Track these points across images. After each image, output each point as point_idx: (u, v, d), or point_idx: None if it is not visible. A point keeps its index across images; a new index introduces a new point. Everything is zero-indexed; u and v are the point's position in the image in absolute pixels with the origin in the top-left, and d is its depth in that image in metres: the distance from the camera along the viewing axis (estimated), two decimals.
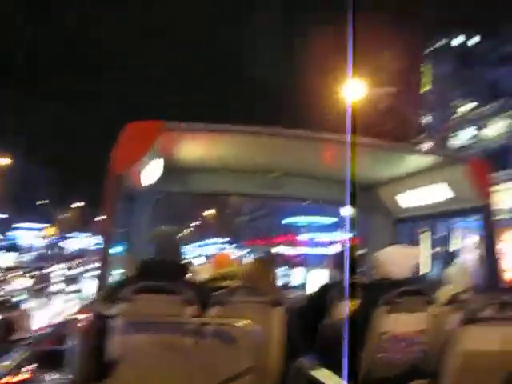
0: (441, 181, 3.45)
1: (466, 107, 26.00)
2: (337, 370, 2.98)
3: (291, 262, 29.65)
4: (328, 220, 31.42)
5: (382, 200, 4.24)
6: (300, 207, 30.04)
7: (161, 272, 2.33)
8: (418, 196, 3.83)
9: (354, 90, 13.83)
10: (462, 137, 26.89)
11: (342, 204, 5.98)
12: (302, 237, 32.27)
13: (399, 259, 2.86)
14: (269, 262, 3.24)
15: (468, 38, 29.75)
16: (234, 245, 46.66)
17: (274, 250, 37.56)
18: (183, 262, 2.69)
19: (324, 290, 3.41)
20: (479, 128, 25.89)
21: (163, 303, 2.21)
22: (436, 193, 3.53)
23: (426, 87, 27.78)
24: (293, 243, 34.73)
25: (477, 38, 29.23)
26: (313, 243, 29.02)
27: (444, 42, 29.96)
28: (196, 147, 3.60)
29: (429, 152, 3.49)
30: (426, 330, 2.81)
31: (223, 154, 3.82)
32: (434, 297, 2.90)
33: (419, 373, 2.75)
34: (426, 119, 25.86)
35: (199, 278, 3.66)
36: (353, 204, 5.25)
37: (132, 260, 3.22)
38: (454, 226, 23.42)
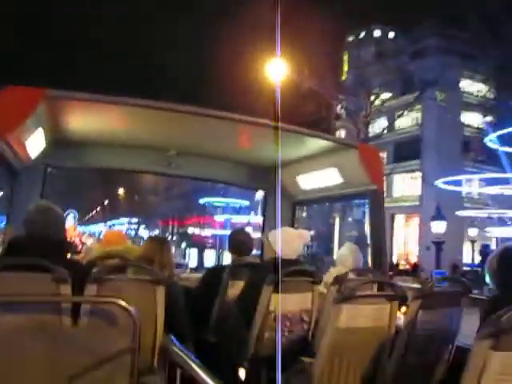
0: (335, 165, 3.57)
1: (383, 97, 27.24)
2: (226, 348, 3.04)
3: (203, 244, 29.74)
4: (245, 202, 31.73)
5: (282, 182, 4.31)
6: (217, 188, 30.01)
7: (32, 249, 2.18)
8: (314, 179, 3.94)
9: (278, 71, 13.94)
10: (378, 125, 28.31)
11: (245, 186, 6.07)
12: (218, 218, 32.39)
13: (287, 240, 2.92)
14: (162, 242, 3.19)
15: (385, 32, 31.22)
16: (145, 225, 45.72)
17: (188, 231, 37.43)
18: (63, 239, 2.55)
19: (216, 270, 3.43)
20: (393, 118, 27.30)
21: (32, 282, 2.07)
22: (330, 177, 3.65)
23: (346, 75, 28.83)
24: (208, 224, 34.77)
25: (392, 34, 30.79)
26: (228, 224, 29.22)
27: (364, 34, 31.19)
28: (84, 118, 3.39)
29: (324, 137, 3.55)
30: (312, 309, 2.91)
31: (114, 127, 3.63)
32: (320, 277, 3.00)
33: (306, 350, 2.84)
34: (345, 106, 26.79)
35: (87, 256, 3.51)
36: (255, 186, 5.34)
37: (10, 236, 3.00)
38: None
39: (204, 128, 3.43)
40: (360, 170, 3.29)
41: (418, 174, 29.55)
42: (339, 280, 2.92)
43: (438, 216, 19.13)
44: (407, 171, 30.31)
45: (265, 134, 3.22)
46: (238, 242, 3.44)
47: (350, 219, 31.07)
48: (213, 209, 34.08)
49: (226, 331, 3.03)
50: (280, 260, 2.84)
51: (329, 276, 3.22)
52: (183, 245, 32.42)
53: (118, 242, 3.33)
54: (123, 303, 1.94)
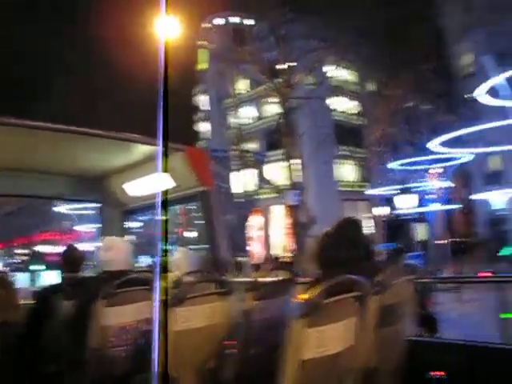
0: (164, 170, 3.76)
1: (244, 86, 28.13)
2: (67, 375, 3.11)
3: (52, 262, 28.01)
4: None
5: (110, 191, 4.42)
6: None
7: None
8: (144, 186, 4.13)
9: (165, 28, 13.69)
10: (242, 115, 29.19)
11: (75, 198, 6.03)
12: (68, 232, 30.76)
13: (114, 251, 3.09)
14: None
15: (243, 19, 32.23)
16: None
17: (35, 249, 34.72)
18: None
19: (46, 292, 3.44)
20: (257, 107, 28.29)
21: None
22: (159, 182, 3.85)
23: (203, 64, 29.32)
24: (57, 240, 32.76)
25: (252, 21, 31.93)
26: (81, 239, 28.04)
27: (222, 20, 31.93)
28: None
29: (150, 142, 3.73)
30: (150, 319, 3.10)
31: None
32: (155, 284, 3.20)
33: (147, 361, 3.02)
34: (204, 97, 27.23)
35: None
36: (86, 197, 5.37)
37: None
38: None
39: (17, 140, 3.42)
40: (189, 172, 3.55)
41: (293, 162, 31.21)
42: (175, 284, 3.16)
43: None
44: (279, 160, 31.69)
45: (89, 143, 3.33)
46: (68, 258, 3.51)
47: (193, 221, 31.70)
48: (63, 222, 32.28)
49: (63, 357, 3.10)
50: (112, 271, 2.99)
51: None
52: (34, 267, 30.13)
53: None
54: None
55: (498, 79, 14.29)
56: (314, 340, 1.93)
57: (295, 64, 25.66)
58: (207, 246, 3.67)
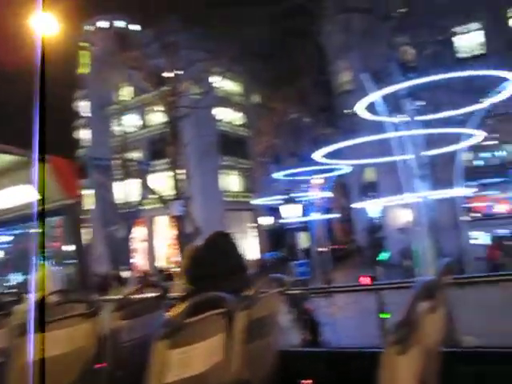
0: (25, 182, 3.55)
1: (128, 93, 27.50)
2: None
3: None
4: None
5: None
6: None
7: None
8: (5, 198, 3.84)
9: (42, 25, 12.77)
10: (125, 122, 28.47)
11: None
12: None
13: None
14: None
15: (129, 24, 31.63)
16: None
17: None
18: None
19: None
20: (141, 115, 27.78)
21: None
22: (23, 194, 3.62)
23: (85, 68, 28.23)
24: None
25: (138, 26, 31.42)
26: None
27: (106, 23, 31.03)
28: None
29: (13, 151, 3.47)
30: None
31: None
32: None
33: None
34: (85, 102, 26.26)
35: None
36: None
37: None
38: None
39: None
40: (54, 184, 3.34)
41: (178, 172, 31.00)
42: (36, 307, 2.93)
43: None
44: (164, 170, 31.27)
45: None
46: None
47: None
48: None
49: None
50: None
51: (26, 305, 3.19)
52: None
53: None
54: None
55: (375, 96, 15.36)
56: (177, 361, 1.87)
57: (181, 73, 25.61)
58: (74, 261, 3.46)
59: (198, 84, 27.60)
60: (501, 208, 33.90)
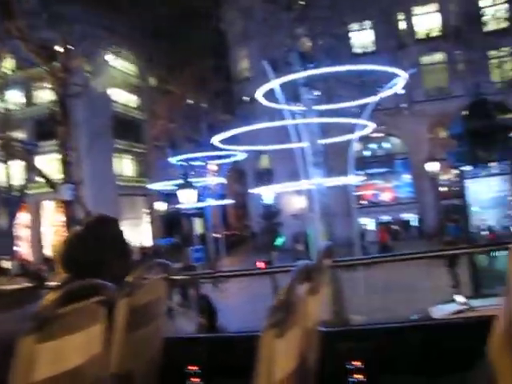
0: None
1: (11, 65, 25.63)
2: None
3: None
4: None
5: None
6: None
7: None
8: None
9: None
10: (8, 98, 26.53)
11: None
12: None
13: None
14: None
15: None
16: None
17: None
18: None
19: None
20: (26, 91, 26.07)
21: None
22: None
23: None
24: None
25: None
26: None
27: None
28: None
29: None
30: None
31: None
32: None
33: None
34: None
35: None
36: None
37: None
38: None
39: None
40: None
41: (67, 154, 29.46)
42: None
43: None
44: (53, 151, 29.37)
45: None
46: None
47: None
48: None
49: None
50: None
51: None
52: None
53: None
54: None
55: (273, 84, 15.64)
56: (47, 357, 1.73)
57: (73, 48, 24.23)
58: None
59: (91, 62, 26.32)
60: (385, 196, 36.48)
